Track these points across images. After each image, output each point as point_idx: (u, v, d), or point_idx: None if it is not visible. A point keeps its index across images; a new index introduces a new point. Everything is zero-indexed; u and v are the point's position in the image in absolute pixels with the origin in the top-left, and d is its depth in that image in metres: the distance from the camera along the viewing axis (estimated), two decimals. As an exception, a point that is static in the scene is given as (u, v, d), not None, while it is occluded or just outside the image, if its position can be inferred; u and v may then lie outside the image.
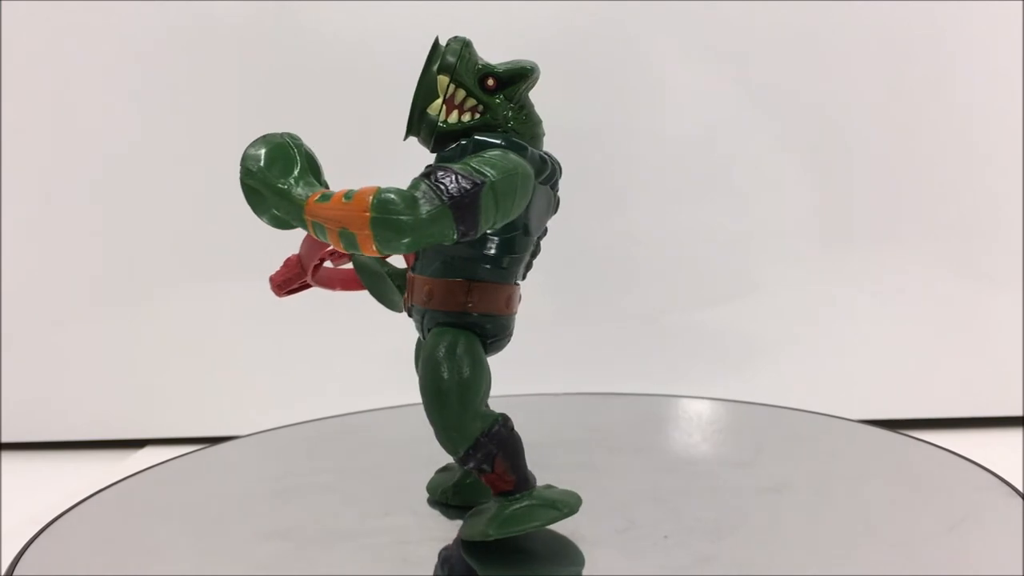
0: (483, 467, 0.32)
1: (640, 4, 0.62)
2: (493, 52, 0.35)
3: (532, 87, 0.35)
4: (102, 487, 0.42)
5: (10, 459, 0.66)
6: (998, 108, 0.62)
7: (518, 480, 0.32)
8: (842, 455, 0.45)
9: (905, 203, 0.63)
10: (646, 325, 0.65)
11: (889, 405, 0.64)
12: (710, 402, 0.53)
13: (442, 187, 0.29)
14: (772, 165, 0.64)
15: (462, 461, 0.32)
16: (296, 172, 0.31)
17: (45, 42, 0.64)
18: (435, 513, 0.38)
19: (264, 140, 0.31)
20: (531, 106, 0.35)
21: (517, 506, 0.32)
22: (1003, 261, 0.63)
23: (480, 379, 0.32)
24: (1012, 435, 0.61)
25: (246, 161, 0.31)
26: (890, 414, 0.63)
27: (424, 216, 0.29)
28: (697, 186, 0.64)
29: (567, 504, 0.33)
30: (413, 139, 0.35)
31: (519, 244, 0.33)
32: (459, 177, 0.29)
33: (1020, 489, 0.37)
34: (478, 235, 0.30)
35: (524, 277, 0.35)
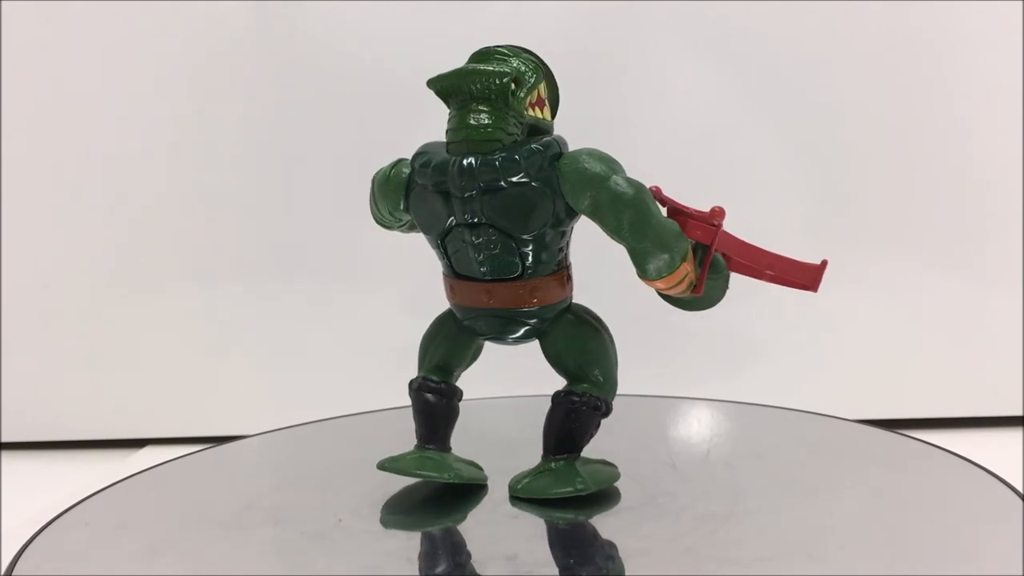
0: None
1: (640, 4, 0.62)
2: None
3: (466, 92, 0.34)
4: (102, 487, 0.42)
5: (10, 459, 0.66)
6: (998, 108, 0.62)
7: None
8: (842, 455, 0.44)
9: (905, 203, 0.63)
10: (646, 325, 0.65)
11: (889, 405, 0.64)
12: (710, 402, 0.53)
13: None
14: (772, 165, 0.64)
15: None
16: None
17: (46, 42, 0.64)
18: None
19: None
20: (468, 114, 0.34)
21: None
22: (1003, 261, 0.63)
23: (425, 345, 0.40)
24: (1012, 435, 0.61)
25: None
26: (890, 414, 0.63)
27: None
28: (696, 186, 0.64)
29: (411, 465, 0.38)
30: (411, 141, 0.37)
31: (429, 240, 0.37)
32: None
33: (1020, 489, 0.37)
34: (383, 226, 0.38)
35: (482, 274, 0.36)
